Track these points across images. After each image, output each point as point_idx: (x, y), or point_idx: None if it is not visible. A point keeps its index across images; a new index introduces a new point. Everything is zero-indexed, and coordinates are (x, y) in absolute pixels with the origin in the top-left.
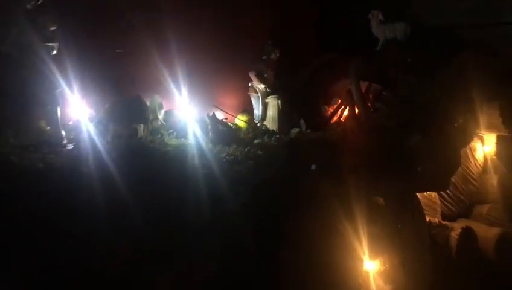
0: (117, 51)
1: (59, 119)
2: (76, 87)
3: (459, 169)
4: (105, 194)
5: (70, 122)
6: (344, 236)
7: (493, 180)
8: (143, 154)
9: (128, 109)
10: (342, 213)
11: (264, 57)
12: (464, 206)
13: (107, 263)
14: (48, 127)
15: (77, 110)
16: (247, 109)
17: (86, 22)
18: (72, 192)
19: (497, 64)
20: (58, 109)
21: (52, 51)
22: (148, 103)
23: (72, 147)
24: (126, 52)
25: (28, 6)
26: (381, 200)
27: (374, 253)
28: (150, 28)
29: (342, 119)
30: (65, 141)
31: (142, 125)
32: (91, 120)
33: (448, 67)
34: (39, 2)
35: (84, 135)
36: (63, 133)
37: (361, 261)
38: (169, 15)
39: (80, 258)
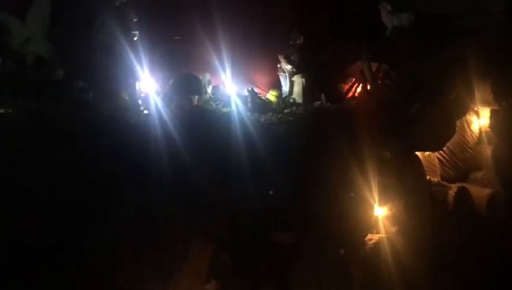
0: (176, 37)
1: (136, 92)
2: (146, 67)
3: (456, 138)
4: (176, 145)
5: (142, 94)
6: (356, 186)
7: (487, 150)
8: (203, 117)
9: (186, 85)
10: (356, 165)
11: (291, 43)
12: (461, 171)
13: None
14: (128, 97)
15: (147, 85)
16: (277, 86)
17: (155, 15)
18: (153, 144)
19: (488, 47)
20: (136, 84)
21: (134, 38)
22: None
23: (146, 113)
24: (183, 39)
25: (117, 3)
26: (388, 154)
27: (383, 201)
28: (201, 19)
29: (355, 94)
30: (142, 108)
31: (196, 97)
32: (158, 93)
33: (446, 50)
34: (124, 0)
35: (153, 105)
36: (140, 102)
37: (372, 207)
38: (217, 9)
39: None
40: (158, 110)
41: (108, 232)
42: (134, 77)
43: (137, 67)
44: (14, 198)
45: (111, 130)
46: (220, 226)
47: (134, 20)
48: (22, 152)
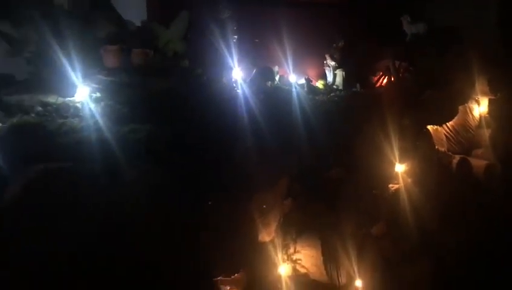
0: (255, 40)
1: (231, 77)
2: (237, 60)
3: (461, 120)
4: (257, 111)
5: (233, 80)
6: (382, 148)
7: (486, 132)
8: (275, 94)
9: (264, 74)
10: (383, 133)
11: (335, 45)
12: (464, 148)
13: None
14: (226, 81)
15: (237, 73)
16: (323, 77)
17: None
18: (244, 111)
19: (486, 51)
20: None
21: (234, 40)
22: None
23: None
24: (261, 41)
25: (224, 16)
26: (407, 122)
27: (402, 159)
28: (273, 27)
29: (382, 84)
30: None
31: (270, 82)
32: (244, 80)
33: (452, 52)
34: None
35: (240, 89)
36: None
37: (394, 164)
38: (283, 19)
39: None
40: (245, 90)
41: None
42: (230, 67)
43: (232, 60)
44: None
45: (218, 101)
46: (293, 166)
47: (226, 15)
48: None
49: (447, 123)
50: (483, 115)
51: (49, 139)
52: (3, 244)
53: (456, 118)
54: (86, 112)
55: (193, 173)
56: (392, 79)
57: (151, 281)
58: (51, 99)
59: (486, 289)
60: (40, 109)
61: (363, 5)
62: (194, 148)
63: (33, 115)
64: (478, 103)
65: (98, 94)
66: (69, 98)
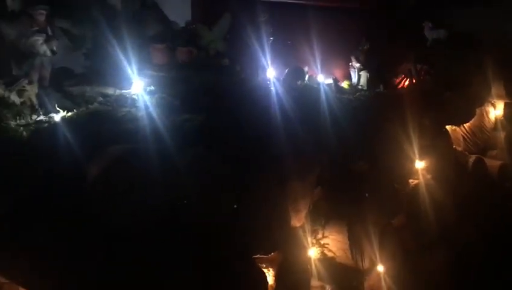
0: (288, 42)
1: (266, 75)
2: (269, 57)
3: (477, 122)
4: (288, 105)
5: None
6: (403, 145)
7: (501, 134)
8: (304, 91)
9: (295, 73)
10: (404, 131)
11: (360, 48)
12: (479, 148)
13: None
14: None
15: (270, 72)
16: (348, 78)
17: (276, 27)
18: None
19: (502, 56)
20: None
21: (269, 42)
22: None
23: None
24: (292, 43)
25: (262, 19)
26: (426, 121)
27: (421, 156)
28: (303, 31)
29: (404, 86)
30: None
31: (300, 81)
32: (277, 78)
33: (470, 57)
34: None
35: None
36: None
37: (414, 161)
38: (313, 25)
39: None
40: (277, 88)
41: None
42: (264, 66)
43: (267, 60)
44: None
45: (255, 95)
46: (322, 158)
47: (264, 18)
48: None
49: (464, 124)
50: (498, 118)
51: (116, 126)
52: (94, 217)
53: (472, 120)
54: (142, 103)
55: (237, 159)
56: (414, 81)
57: (204, 254)
58: (110, 91)
59: (499, 281)
60: (101, 99)
61: (388, 11)
62: (237, 138)
63: (96, 104)
64: (494, 106)
65: (152, 87)
66: (125, 91)
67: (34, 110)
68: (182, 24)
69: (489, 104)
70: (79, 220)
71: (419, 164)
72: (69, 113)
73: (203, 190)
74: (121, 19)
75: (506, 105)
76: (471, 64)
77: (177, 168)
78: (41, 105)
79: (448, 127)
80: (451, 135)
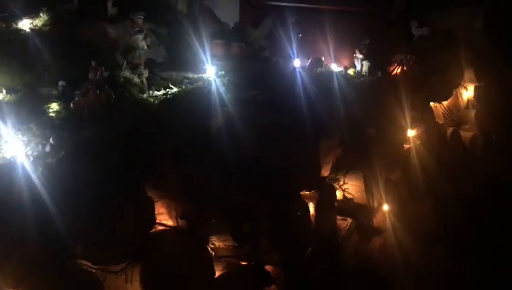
0: (309, 37)
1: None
2: (296, 50)
3: (453, 102)
4: (310, 86)
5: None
6: (399, 117)
7: (472, 112)
8: (321, 76)
9: (315, 63)
10: (398, 107)
11: (362, 42)
12: (455, 123)
13: None
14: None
15: (296, 62)
16: (353, 66)
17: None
18: (300, 86)
19: (473, 48)
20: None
21: (298, 37)
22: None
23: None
24: (313, 38)
25: (292, 20)
26: (416, 100)
27: (412, 126)
28: (320, 27)
29: (397, 72)
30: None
31: (319, 69)
32: (301, 67)
33: (448, 49)
34: (295, 20)
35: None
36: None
37: (406, 130)
38: (328, 23)
39: None
40: (302, 74)
41: None
42: (293, 57)
43: (294, 52)
44: None
45: (287, 78)
46: (341, 125)
47: (298, 29)
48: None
49: (444, 103)
50: (470, 98)
51: (209, 98)
52: (219, 154)
53: (450, 99)
54: (216, 84)
55: (292, 124)
56: (404, 68)
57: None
58: (190, 74)
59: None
60: (186, 81)
61: (384, 13)
62: (289, 109)
63: (186, 84)
64: (466, 88)
65: (223, 72)
66: (201, 74)
67: (145, 89)
68: (231, 24)
69: (463, 87)
70: (211, 155)
71: (411, 132)
72: (174, 90)
73: (276, 144)
74: (188, 20)
75: (476, 88)
76: (448, 55)
77: (259, 128)
78: (150, 84)
79: (432, 104)
80: (434, 111)
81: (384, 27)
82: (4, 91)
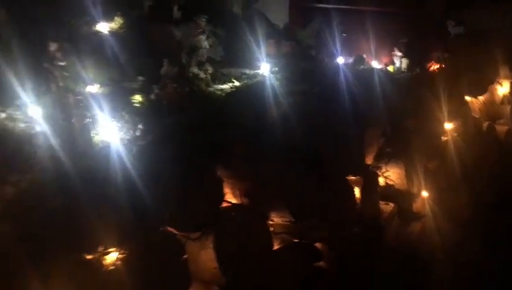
0: (352, 37)
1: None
2: (339, 48)
3: (488, 98)
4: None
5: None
6: (435, 111)
7: (507, 107)
8: (363, 72)
9: (358, 61)
10: (436, 99)
11: (400, 41)
12: (491, 117)
13: None
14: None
15: (340, 59)
16: (391, 63)
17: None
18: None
19: (509, 46)
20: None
21: (342, 37)
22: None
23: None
24: (356, 38)
25: (336, 22)
26: (453, 94)
27: (449, 120)
28: (362, 26)
29: (434, 69)
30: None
31: (361, 66)
32: (345, 64)
33: (484, 47)
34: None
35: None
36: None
37: (443, 123)
38: (369, 23)
39: None
40: (345, 70)
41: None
42: (337, 55)
43: (337, 50)
44: None
45: (333, 74)
46: (383, 116)
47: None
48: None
49: (479, 98)
50: (505, 94)
51: (267, 90)
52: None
53: (485, 95)
54: (270, 79)
55: (340, 112)
56: (441, 65)
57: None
58: (246, 71)
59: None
60: (244, 76)
61: (421, 13)
62: (330, 101)
63: (245, 79)
64: (501, 84)
65: (276, 68)
66: (256, 70)
67: (210, 83)
68: (281, 26)
69: (498, 83)
70: (271, 141)
71: (448, 125)
72: (237, 84)
73: (326, 132)
74: (243, 22)
75: (511, 84)
76: (484, 52)
77: (311, 118)
78: (214, 79)
79: (468, 99)
80: (470, 106)
81: (422, 26)
82: (97, 85)
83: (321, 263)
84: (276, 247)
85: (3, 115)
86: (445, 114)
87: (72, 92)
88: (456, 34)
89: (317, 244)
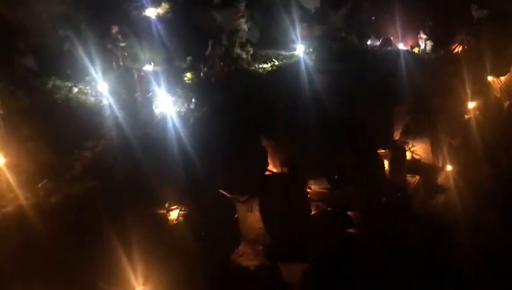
0: (372, 18)
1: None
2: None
3: (510, 77)
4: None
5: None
6: (458, 90)
7: None
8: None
9: (385, 42)
10: (460, 79)
11: (426, 24)
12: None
13: None
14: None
15: (368, 41)
16: (417, 46)
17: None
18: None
19: None
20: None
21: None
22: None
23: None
24: (383, 21)
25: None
26: (476, 74)
27: (472, 99)
28: (390, 11)
29: (458, 51)
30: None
31: (389, 47)
32: (371, 45)
33: (506, 30)
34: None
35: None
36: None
37: (467, 101)
38: (396, 6)
39: None
40: (374, 51)
41: None
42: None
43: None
44: None
45: (363, 55)
46: (410, 93)
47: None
48: None
49: (501, 79)
50: None
51: (301, 71)
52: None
53: (507, 75)
54: (305, 59)
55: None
56: (465, 47)
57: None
58: (282, 52)
59: None
60: (281, 57)
61: None
62: (362, 79)
63: (282, 60)
64: None
65: (311, 49)
66: (291, 52)
67: (251, 63)
68: (312, 9)
69: None
70: (309, 114)
71: (471, 104)
72: (277, 63)
73: (358, 108)
74: (279, 6)
75: None
76: (506, 35)
77: (345, 95)
78: (254, 59)
79: (490, 79)
80: (492, 86)
81: (446, 10)
82: (152, 64)
83: (353, 230)
84: (312, 213)
85: (76, 89)
86: (469, 93)
87: (136, 70)
88: (479, 17)
89: (349, 212)
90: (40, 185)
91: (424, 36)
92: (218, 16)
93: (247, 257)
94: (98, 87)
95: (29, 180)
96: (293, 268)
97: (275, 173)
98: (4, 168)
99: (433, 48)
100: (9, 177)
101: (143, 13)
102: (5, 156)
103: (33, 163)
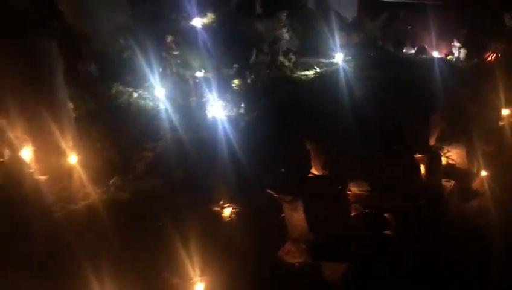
0: (407, 26)
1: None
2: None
3: None
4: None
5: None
6: (492, 98)
7: None
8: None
9: (420, 50)
10: (492, 86)
11: (460, 33)
12: None
13: None
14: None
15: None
16: (451, 54)
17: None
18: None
19: None
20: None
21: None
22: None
23: None
24: (418, 29)
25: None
26: (511, 83)
27: (506, 106)
28: (424, 19)
29: (492, 59)
30: None
31: (423, 55)
32: (410, 54)
33: None
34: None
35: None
36: None
37: (501, 109)
38: (431, 17)
39: None
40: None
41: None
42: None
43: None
44: None
45: (400, 63)
46: (444, 100)
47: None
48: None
49: None
50: None
51: (341, 78)
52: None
53: None
54: (344, 66)
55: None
56: (498, 56)
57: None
58: (321, 60)
59: None
60: (321, 64)
61: (479, 6)
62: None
63: (323, 68)
64: None
65: (350, 57)
66: (331, 60)
67: (294, 70)
68: (349, 19)
69: None
70: (349, 119)
71: (505, 112)
72: (319, 70)
73: (397, 114)
74: (317, 15)
75: None
76: None
77: (384, 100)
78: (295, 67)
79: None
80: None
81: (480, 19)
82: (203, 71)
83: (388, 232)
84: (351, 214)
85: (136, 94)
86: (502, 101)
87: (191, 76)
88: None
89: (386, 215)
90: (111, 181)
91: (457, 44)
92: (260, 25)
93: (292, 255)
94: (156, 92)
95: (97, 178)
96: (335, 267)
97: (317, 175)
98: (78, 166)
99: (467, 56)
100: (82, 174)
101: (190, 23)
102: (78, 155)
103: (101, 162)
